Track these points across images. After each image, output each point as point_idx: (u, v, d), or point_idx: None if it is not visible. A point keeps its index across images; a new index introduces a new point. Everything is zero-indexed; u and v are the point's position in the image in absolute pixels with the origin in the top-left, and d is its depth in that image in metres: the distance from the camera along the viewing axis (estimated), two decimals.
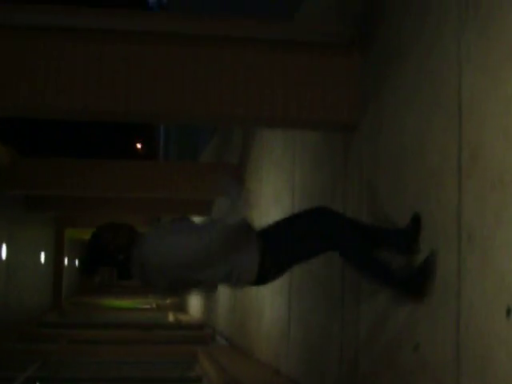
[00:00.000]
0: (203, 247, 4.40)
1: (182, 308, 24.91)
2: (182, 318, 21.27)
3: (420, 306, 4.64)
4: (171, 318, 22.07)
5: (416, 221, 4.72)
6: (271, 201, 9.72)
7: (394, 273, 4.81)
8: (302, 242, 4.76)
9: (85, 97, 5.76)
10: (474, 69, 4.09)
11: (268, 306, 9.54)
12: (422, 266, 4.60)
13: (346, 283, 6.13)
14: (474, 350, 3.92)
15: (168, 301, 29.22)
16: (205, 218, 4.70)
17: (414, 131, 4.88)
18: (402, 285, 4.75)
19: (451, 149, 4.31)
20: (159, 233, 4.57)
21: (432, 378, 4.45)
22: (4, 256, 14.74)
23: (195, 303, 21.22)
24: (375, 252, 4.84)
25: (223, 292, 13.74)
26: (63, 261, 24.47)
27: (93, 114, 6.02)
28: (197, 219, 13.55)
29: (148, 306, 29.79)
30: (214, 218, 4.64)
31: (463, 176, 4.16)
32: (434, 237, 4.48)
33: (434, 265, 4.48)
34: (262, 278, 4.70)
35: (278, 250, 4.68)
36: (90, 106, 5.81)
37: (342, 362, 6.26)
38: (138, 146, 55.00)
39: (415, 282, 4.65)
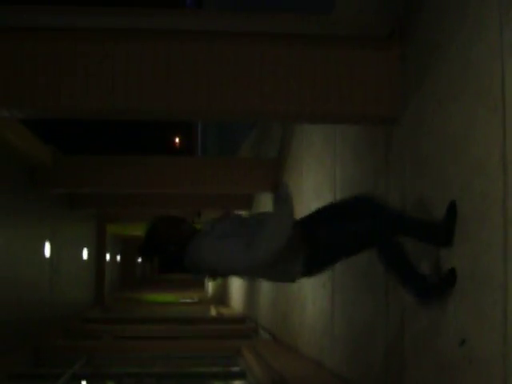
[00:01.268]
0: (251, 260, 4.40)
1: (223, 301, 25.00)
2: (224, 311, 21.34)
3: (466, 299, 4.60)
4: (213, 311, 22.15)
5: (452, 209, 4.73)
6: (312, 195, 9.70)
7: (420, 277, 4.89)
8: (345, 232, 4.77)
9: (126, 96, 5.80)
10: None
11: (310, 299, 9.52)
12: (447, 276, 4.74)
13: (390, 276, 6.09)
14: None
15: (210, 295, 29.36)
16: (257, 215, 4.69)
17: (457, 123, 4.83)
18: (425, 290, 4.87)
19: (495, 140, 4.26)
20: (215, 233, 4.56)
21: (479, 373, 4.41)
22: (48, 253, 14.92)
23: (237, 297, 21.28)
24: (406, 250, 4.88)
25: (265, 285, 13.76)
26: (105, 256, 24.68)
27: (134, 113, 6.05)
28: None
29: (190, 300, 29.97)
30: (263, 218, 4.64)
31: (508, 167, 4.11)
32: (480, 229, 4.44)
33: (456, 276, 4.66)
34: (307, 272, 4.73)
35: (321, 241, 4.70)
36: (132, 105, 5.85)
37: (387, 357, 6.24)
38: (176, 141, 55.27)
39: (438, 290, 4.82)
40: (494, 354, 4.20)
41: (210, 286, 31.78)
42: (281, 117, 6.55)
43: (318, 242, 4.68)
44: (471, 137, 4.61)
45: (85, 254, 20.85)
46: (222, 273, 4.63)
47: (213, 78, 5.89)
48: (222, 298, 25.74)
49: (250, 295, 17.21)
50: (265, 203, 14.67)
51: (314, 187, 9.66)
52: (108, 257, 26.40)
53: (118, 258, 35.39)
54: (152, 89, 5.84)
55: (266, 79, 5.90)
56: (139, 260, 44.72)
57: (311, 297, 9.47)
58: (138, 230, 28.45)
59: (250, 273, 4.73)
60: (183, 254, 4.52)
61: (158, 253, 4.70)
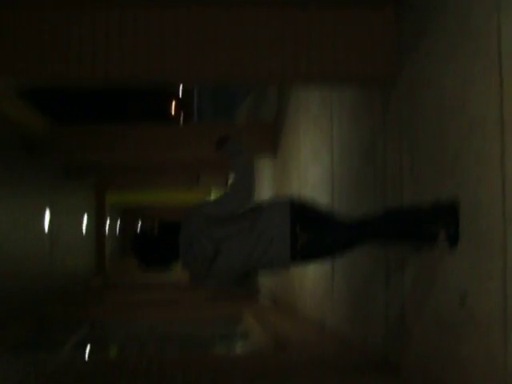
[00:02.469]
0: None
1: None
2: None
3: (466, 258, 4.63)
4: None
5: (453, 208, 4.78)
6: (310, 159, 9.70)
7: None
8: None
9: (121, 65, 5.78)
10: None
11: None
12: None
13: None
14: None
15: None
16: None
17: (454, 83, 4.82)
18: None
19: (493, 98, 4.26)
20: (202, 211, 4.81)
21: (479, 330, 4.45)
22: (47, 223, 14.95)
23: None
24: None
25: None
26: (105, 225, 24.72)
27: (130, 80, 6.02)
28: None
29: None
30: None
31: (505, 126, 4.11)
32: (478, 187, 4.45)
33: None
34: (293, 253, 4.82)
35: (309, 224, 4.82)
36: (127, 73, 5.82)
37: (387, 317, 6.28)
38: (172, 108, 55.03)
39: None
40: (494, 309, 4.23)
41: None
42: (276, 79, 6.52)
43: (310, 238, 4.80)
44: (468, 96, 4.60)
45: (84, 222, 20.88)
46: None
47: (207, 43, 5.86)
48: None
49: None
50: (262, 167, 14.67)
51: (311, 150, 9.65)
52: (108, 225, 26.44)
53: (118, 225, 35.43)
54: (146, 55, 5.81)
55: (260, 42, 5.87)
56: (139, 227, 44.80)
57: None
58: (136, 198, 28.50)
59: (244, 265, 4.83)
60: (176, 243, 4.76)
61: (152, 251, 4.92)
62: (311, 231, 4.80)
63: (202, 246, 4.71)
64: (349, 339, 7.58)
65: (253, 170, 4.81)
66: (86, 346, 10.50)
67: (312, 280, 9.45)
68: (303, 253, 4.83)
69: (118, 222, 35.36)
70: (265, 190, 14.48)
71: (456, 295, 4.75)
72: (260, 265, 4.85)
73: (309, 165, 9.79)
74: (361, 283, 7.17)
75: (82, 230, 20.48)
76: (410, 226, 5.05)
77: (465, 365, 4.65)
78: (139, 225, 43.81)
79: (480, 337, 4.44)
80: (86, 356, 10.10)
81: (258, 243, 4.73)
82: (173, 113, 52.63)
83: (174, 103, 53.73)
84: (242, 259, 4.76)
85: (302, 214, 4.81)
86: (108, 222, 26.18)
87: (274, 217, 4.75)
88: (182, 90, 51.39)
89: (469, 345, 4.58)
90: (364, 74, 6.09)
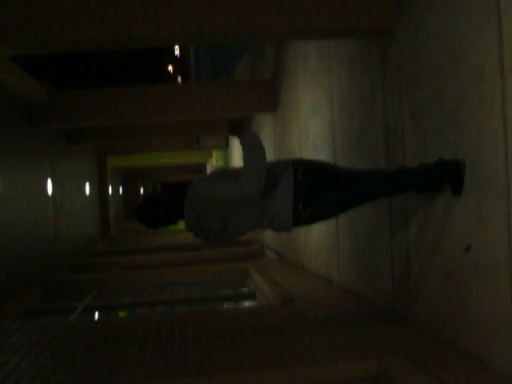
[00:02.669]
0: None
1: None
2: None
3: (469, 207, 4.63)
4: None
5: (457, 165, 4.80)
6: (310, 113, 9.67)
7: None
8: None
9: (115, 25, 5.73)
10: None
11: None
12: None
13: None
14: None
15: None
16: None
17: (452, 31, 4.78)
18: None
19: (492, 46, 4.23)
20: (207, 179, 5.03)
21: (484, 279, 4.47)
22: (50, 190, 14.95)
23: None
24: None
25: None
26: (108, 189, 24.75)
27: (124, 41, 5.97)
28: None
29: None
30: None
31: (506, 72, 4.08)
32: (480, 136, 4.43)
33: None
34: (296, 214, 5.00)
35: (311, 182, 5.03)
36: (121, 33, 5.77)
37: (393, 269, 6.31)
38: (170, 68, 54.78)
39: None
40: (499, 257, 4.25)
41: None
42: (273, 35, 6.46)
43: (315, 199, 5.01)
44: (467, 44, 4.57)
45: (87, 188, 20.91)
46: (217, 210, 4.92)
47: (202, 1, 5.80)
48: None
49: None
50: (263, 124, 14.64)
51: (311, 104, 9.61)
52: (110, 189, 26.46)
53: (121, 189, 35.49)
54: (141, 15, 5.76)
55: None
56: (142, 191, 44.90)
57: None
58: (138, 161, 28.48)
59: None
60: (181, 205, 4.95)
61: (159, 211, 5.06)
62: (314, 205, 4.94)
63: (209, 220, 4.83)
64: (356, 292, 7.63)
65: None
66: (95, 311, 10.55)
67: (317, 235, 9.48)
68: (306, 223, 5.12)
69: (121, 186, 35.39)
70: (266, 146, 14.45)
71: (461, 245, 4.77)
72: (264, 228, 5.16)
73: (309, 119, 9.75)
74: (366, 237, 7.19)
75: (85, 195, 20.51)
76: (414, 184, 5.12)
77: (471, 313, 4.68)
78: (142, 189, 43.91)
79: (485, 285, 4.46)
80: (96, 320, 10.17)
81: (262, 216, 4.92)
82: (171, 72, 52.38)
83: (171, 63, 53.45)
84: (248, 228, 5.07)
85: (304, 185, 4.89)
86: (110, 186, 26.19)
87: (276, 192, 4.84)
88: (180, 50, 51.12)
89: (475, 293, 4.61)
90: (362, 26, 6.04)
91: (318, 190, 5.01)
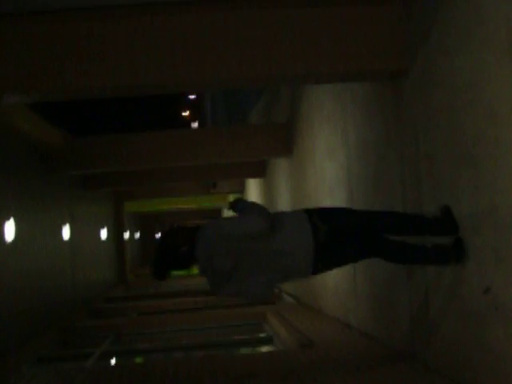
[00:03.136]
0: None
1: None
2: None
3: (487, 248, 4.60)
4: None
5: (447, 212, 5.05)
6: (326, 156, 9.69)
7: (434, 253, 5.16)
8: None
9: (133, 73, 5.79)
10: None
11: None
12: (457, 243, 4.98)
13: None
14: None
15: None
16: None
17: (466, 72, 4.80)
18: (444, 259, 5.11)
19: (505, 85, 4.24)
20: (216, 221, 5.08)
21: (505, 320, 4.42)
22: (68, 236, 15.01)
23: None
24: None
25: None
26: (124, 235, 24.80)
27: (141, 88, 6.04)
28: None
29: None
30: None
31: None
32: (496, 176, 4.42)
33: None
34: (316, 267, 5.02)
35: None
36: (138, 80, 5.84)
37: (411, 311, 6.26)
38: (186, 113, 55.15)
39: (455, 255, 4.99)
40: None
41: None
42: (288, 80, 6.53)
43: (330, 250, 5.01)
44: (481, 84, 4.59)
45: (104, 233, 20.96)
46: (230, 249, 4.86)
47: (218, 47, 5.87)
48: None
49: None
50: (279, 168, 14.67)
51: (326, 148, 9.64)
52: (127, 235, 26.51)
53: (137, 235, 35.54)
54: (157, 62, 5.83)
55: (270, 43, 5.87)
56: (158, 236, 44.88)
57: None
58: (154, 206, 28.55)
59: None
60: (193, 248, 4.90)
61: (171, 260, 5.02)
62: (332, 261, 4.97)
63: (221, 260, 4.79)
64: (373, 335, 7.57)
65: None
66: (111, 356, 10.52)
67: (334, 278, 9.43)
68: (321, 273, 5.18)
69: (137, 231, 35.45)
70: (282, 190, 14.48)
71: (480, 286, 4.73)
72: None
73: (325, 162, 9.77)
74: (383, 279, 7.14)
75: (101, 240, 20.56)
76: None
77: (491, 357, 4.62)
78: (158, 234, 43.91)
79: (506, 327, 4.41)
80: (113, 366, 10.13)
81: (278, 268, 4.84)
82: (187, 118, 52.71)
83: (187, 108, 53.82)
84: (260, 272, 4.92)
85: (325, 245, 4.90)
86: (127, 230, 26.24)
87: (295, 254, 4.87)
88: (195, 95, 51.51)
89: (495, 336, 4.56)
90: (376, 69, 6.08)
91: (338, 246, 5.03)
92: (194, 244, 4.88)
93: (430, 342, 5.79)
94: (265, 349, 10.18)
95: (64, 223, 14.83)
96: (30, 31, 5.78)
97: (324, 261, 4.95)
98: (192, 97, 51.90)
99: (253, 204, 4.96)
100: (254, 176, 18.29)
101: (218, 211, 37.64)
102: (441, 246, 5.13)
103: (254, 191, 20.74)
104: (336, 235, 4.96)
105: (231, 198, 27.67)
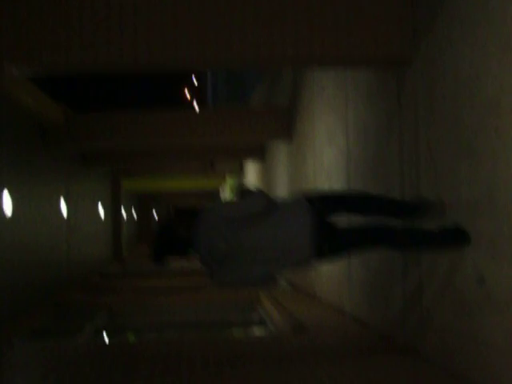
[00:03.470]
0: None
1: None
2: None
3: (484, 239, 4.60)
4: None
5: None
6: (325, 141, 9.68)
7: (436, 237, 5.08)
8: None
9: (135, 49, 5.76)
10: None
11: None
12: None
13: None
14: None
15: None
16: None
17: (470, 64, 4.78)
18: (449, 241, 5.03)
19: (509, 78, 4.22)
20: (216, 205, 5.04)
21: (498, 311, 4.43)
22: (64, 211, 15.00)
23: None
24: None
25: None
26: (121, 212, 24.80)
27: (142, 65, 6.00)
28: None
29: None
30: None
31: None
32: (495, 168, 4.42)
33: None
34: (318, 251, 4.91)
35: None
36: (140, 57, 5.80)
37: (405, 299, 6.27)
38: (187, 93, 55.04)
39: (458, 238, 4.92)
40: None
41: None
42: (290, 62, 6.47)
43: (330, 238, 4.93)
44: (484, 76, 4.57)
45: (101, 210, 20.96)
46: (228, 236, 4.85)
47: (220, 27, 5.83)
48: None
49: None
50: (278, 152, 14.65)
51: (326, 133, 9.62)
52: (124, 212, 26.52)
53: (134, 212, 35.54)
54: (160, 40, 5.79)
55: (274, 25, 5.84)
56: (155, 214, 44.95)
57: None
58: (152, 185, 28.54)
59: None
60: (192, 234, 4.89)
61: (170, 245, 4.99)
62: (337, 239, 4.94)
63: (220, 246, 4.78)
64: (366, 322, 7.59)
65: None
66: (104, 332, 10.54)
67: (329, 265, 9.43)
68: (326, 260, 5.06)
69: (134, 209, 35.45)
70: (280, 174, 14.47)
71: (474, 277, 4.73)
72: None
73: (324, 148, 9.76)
74: (378, 266, 7.15)
75: (98, 217, 20.56)
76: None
77: (483, 346, 4.63)
78: (155, 212, 43.97)
79: (499, 318, 4.42)
80: (105, 341, 10.15)
81: (279, 253, 4.81)
82: (188, 98, 52.61)
83: (188, 89, 53.72)
84: (258, 260, 4.88)
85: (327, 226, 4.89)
86: (123, 208, 26.25)
87: (292, 239, 4.83)
88: (197, 76, 51.41)
89: (487, 326, 4.57)
90: (379, 56, 6.05)
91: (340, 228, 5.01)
92: (194, 229, 4.86)
93: (423, 330, 5.80)
94: (257, 331, 10.20)
95: (61, 199, 14.82)
96: (29, 3, 5.73)
97: (329, 242, 4.89)
98: (194, 78, 51.79)
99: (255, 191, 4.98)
100: (253, 158, 18.26)
101: (216, 193, 37.66)
102: (446, 228, 5.08)
103: (252, 174, 20.72)
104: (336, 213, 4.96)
105: (228, 179, 27.69)
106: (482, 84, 4.60)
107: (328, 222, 4.96)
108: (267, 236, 4.80)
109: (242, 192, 4.98)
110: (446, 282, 5.26)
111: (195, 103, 51.58)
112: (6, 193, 10.61)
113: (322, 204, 4.98)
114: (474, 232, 4.75)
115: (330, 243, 4.88)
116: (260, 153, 17.47)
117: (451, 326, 5.18)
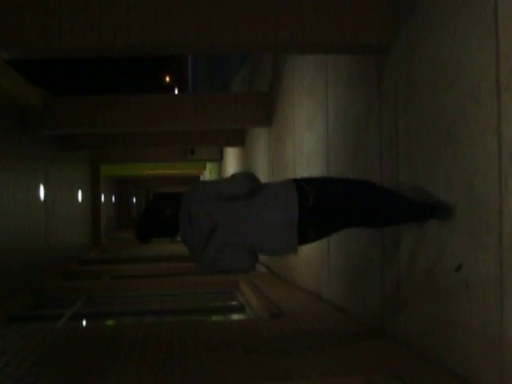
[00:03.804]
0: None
1: None
2: None
3: (461, 226, 4.62)
4: None
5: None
6: (305, 127, 9.67)
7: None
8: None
9: (113, 32, 5.72)
10: None
11: None
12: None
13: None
14: None
15: None
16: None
17: (450, 50, 4.78)
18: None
19: (488, 65, 4.22)
20: (201, 183, 5.03)
21: (474, 298, 4.45)
22: (42, 196, 14.91)
23: None
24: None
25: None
26: (100, 197, 24.70)
27: (123, 48, 5.95)
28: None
29: None
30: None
31: (502, 92, 4.08)
32: (474, 155, 4.43)
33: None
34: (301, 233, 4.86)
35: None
36: (119, 40, 5.76)
37: (383, 286, 6.29)
38: (167, 78, 54.85)
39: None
40: (490, 277, 4.23)
41: None
42: (270, 47, 6.46)
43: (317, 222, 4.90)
44: (464, 63, 4.57)
45: (79, 195, 20.85)
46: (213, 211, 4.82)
47: (201, 11, 5.80)
48: None
49: None
50: (258, 138, 14.64)
51: (306, 119, 9.61)
52: (103, 198, 26.41)
53: (113, 198, 35.44)
54: (139, 24, 5.75)
55: (254, 9, 5.81)
56: (134, 200, 44.85)
57: None
58: (131, 171, 28.44)
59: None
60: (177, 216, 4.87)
61: (155, 225, 4.98)
62: (324, 222, 4.90)
63: (200, 220, 4.74)
64: (344, 308, 7.61)
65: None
66: (82, 319, 10.51)
67: (307, 250, 9.43)
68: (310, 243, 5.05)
69: (113, 195, 35.35)
70: (260, 160, 14.45)
71: (452, 264, 4.75)
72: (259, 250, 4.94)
73: (304, 133, 9.75)
74: (357, 253, 7.17)
75: (77, 202, 20.46)
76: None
77: (459, 333, 4.66)
78: (134, 199, 43.86)
79: (475, 305, 4.44)
80: (83, 327, 10.12)
81: (261, 233, 4.76)
82: (167, 83, 52.39)
83: (168, 74, 53.49)
84: (240, 242, 4.83)
85: (315, 211, 4.85)
86: (102, 194, 26.14)
87: (276, 222, 4.78)
88: (177, 61, 51.20)
89: (464, 313, 4.59)
90: (359, 42, 6.04)
91: (328, 209, 4.95)
92: (178, 209, 4.84)
93: (400, 317, 5.82)
94: (236, 317, 10.21)
95: (39, 183, 14.72)
96: None
97: (316, 225, 4.87)
98: (174, 62, 51.56)
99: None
100: (232, 144, 18.22)
101: (196, 178, 37.61)
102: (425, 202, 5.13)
103: (232, 160, 20.69)
104: (325, 199, 4.91)
105: (208, 165, 27.64)
106: (461, 71, 4.60)
107: (314, 205, 4.91)
108: (251, 213, 4.77)
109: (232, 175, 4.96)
110: (424, 269, 5.28)
111: (176, 90, 51.41)
112: None
113: (310, 185, 4.94)
114: (453, 220, 4.76)
115: (314, 225, 4.87)
116: (240, 138, 17.43)
117: (428, 311, 5.21)
